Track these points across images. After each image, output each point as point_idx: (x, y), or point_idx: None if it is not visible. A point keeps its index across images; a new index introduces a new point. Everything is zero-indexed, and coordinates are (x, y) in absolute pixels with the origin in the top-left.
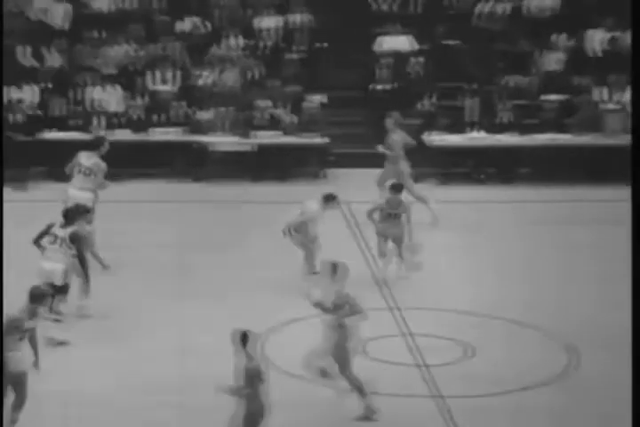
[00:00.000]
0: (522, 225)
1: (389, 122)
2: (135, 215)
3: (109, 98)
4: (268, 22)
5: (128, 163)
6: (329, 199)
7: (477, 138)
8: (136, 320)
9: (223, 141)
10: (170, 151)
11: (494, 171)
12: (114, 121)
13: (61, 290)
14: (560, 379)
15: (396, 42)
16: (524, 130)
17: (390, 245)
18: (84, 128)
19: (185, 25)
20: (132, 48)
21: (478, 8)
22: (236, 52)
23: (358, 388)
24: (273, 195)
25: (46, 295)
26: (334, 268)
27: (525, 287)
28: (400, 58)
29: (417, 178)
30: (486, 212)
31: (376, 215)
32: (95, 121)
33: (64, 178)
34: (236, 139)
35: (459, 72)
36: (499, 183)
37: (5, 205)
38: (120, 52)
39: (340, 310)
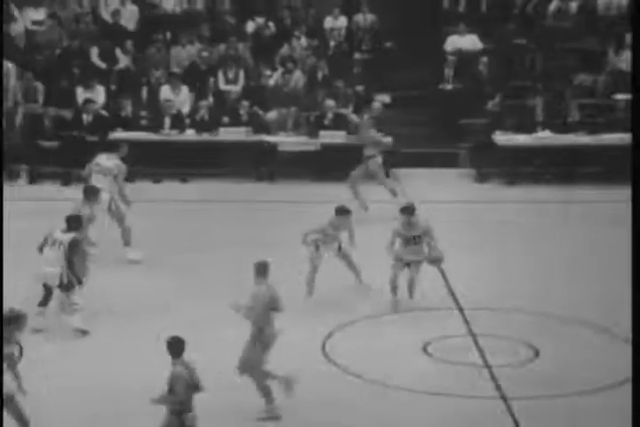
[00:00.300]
0: (588, 225)
1: (364, 117)
2: (202, 215)
3: (177, 98)
4: (334, 22)
5: (195, 163)
6: (341, 212)
7: (545, 137)
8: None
9: (288, 141)
10: (236, 151)
11: (561, 170)
12: (181, 121)
13: (66, 288)
14: (627, 381)
15: (464, 41)
16: (593, 129)
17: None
18: (152, 128)
19: (251, 26)
20: (200, 49)
21: (547, 6)
22: (302, 53)
23: (265, 392)
24: (337, 194)
25: (22, 318)
26: (259, 268)
27: (592, 288)
28: (468, 57)
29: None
30: (549, 211)
31: (396, 241)
32: (164, 121)
33: (132, 178)
34: (300, 138)
35: (527, 71)
36: (565, 183)
37: (72, 205)
38: (187, 52)
39: (252, 311)
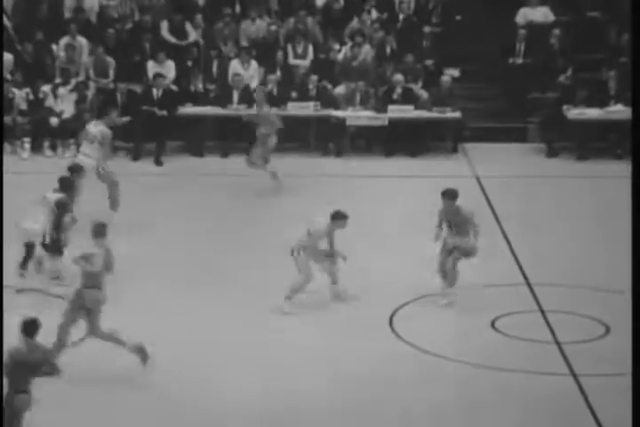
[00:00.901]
0: None
1: (258, 94)
2: (269, 189)
3: (246, 73)
4: None
5: None
6: (337, 217)
7: (617, 111)
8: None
9: (356, 116)
10: (304, 126)
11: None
12: (250, 96)
13: (51, 249)
14: None
15: (536, 13)
16: None
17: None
18: (221, 103)
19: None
20: (269, 23)
21: None
22: (371, 26)
23: (116, 340)
24: (405, 169)
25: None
26: (96, 228)
27: None
28: (539, 30)
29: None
30: (620, 187)
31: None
32: (232, 96)
33: (200, 152)
34: (368, 113)
35: (599, 44)
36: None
37: (141, 178)
38: (257, 26)
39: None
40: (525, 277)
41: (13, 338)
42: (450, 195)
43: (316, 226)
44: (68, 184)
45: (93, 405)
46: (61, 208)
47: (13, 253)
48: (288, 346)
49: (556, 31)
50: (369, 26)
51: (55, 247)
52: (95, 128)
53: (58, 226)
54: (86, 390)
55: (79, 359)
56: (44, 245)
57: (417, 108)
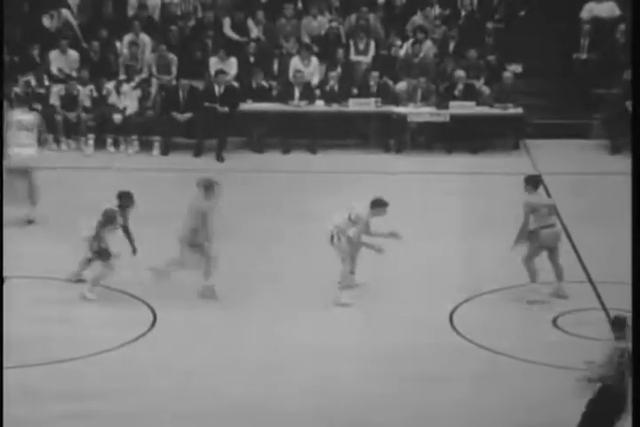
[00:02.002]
0: None
1: None
2: (330, 186)
3: (307, 69)
4: None
5: (323, 134)
6: (377, 205)
7: None
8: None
9: (417, 112)
10: (364, 122)
11: None
12: (311, 92)
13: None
14: None
15: (602, 8)
16: None
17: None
18: (283, 99)
19: None
20: (330, 19)
21: None
22: (432, 22)
23: None
24: (466, 166)
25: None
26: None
27: None
28: (605, 25)
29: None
30: None
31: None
32: (294, 92)
33: (260, 148)
34: (430, 109)
35: None
36: None
37: (203, 175)
38: (318, 23)
39: None
40: (588, 275)
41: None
42: (532, 181)
43: (356, 212)
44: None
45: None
46: (107, 219)
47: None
48: (345, 344)
49: (622, 26)
50: (431, 22)
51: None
52: (26, 115)
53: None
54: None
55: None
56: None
57: (479, 104)
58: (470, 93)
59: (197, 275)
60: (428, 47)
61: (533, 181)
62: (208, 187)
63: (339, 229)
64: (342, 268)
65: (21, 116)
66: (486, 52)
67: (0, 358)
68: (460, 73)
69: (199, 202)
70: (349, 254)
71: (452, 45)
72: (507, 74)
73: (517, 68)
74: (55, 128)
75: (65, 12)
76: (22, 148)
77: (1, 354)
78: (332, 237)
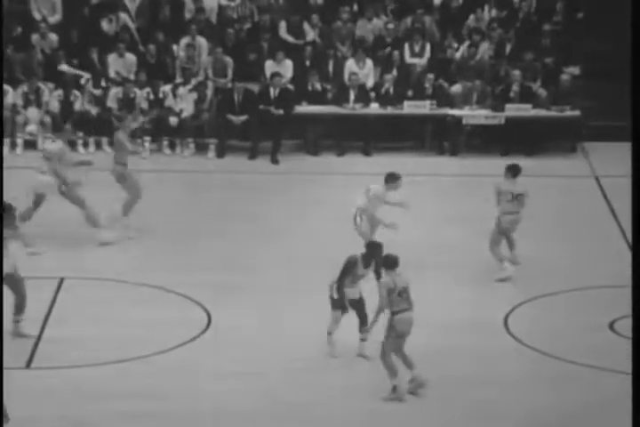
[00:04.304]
0: None
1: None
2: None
3: (362, 72)
4: None
5: (378, 136)
6: (391, 179)
7: None
8: None
9: (472, 114)
10: (419, 125)
11: None
12: (366, 95)
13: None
14: None
15: None
16: None
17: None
18: (338, 102)
19: None
20: (386, 22)
21: None
22: (489, 25)
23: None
24: (523, 169)
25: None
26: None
27: None
28: None
29: None
30: None
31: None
32: (349, 95)
33: (315, 151)
34: (485, 112)
35: None
36: None
37: (258, 177)
38: (373, 25)
39: None
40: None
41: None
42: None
43: (372, 191)
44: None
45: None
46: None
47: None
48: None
49: None
50: (487, 24)
51: None
52: (53, 145)
53: None
54: None
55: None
56: None
57: (535, 106)
58: (526, 96)
59: (254, 278)
60: (485, 49)
61: (513, 170)
62: None
63: (360, 209)
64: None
65: (47, 146)
66: (543, 54)
67: (0, 358)
68: (516, 73)
69: None
70: (370, 236)
71: (508, 47)
72: (564, 76)
73: (575, 70)
74: (111, 131)
75: (123, 15)
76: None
77: (1, 353)
78: (355, 218)
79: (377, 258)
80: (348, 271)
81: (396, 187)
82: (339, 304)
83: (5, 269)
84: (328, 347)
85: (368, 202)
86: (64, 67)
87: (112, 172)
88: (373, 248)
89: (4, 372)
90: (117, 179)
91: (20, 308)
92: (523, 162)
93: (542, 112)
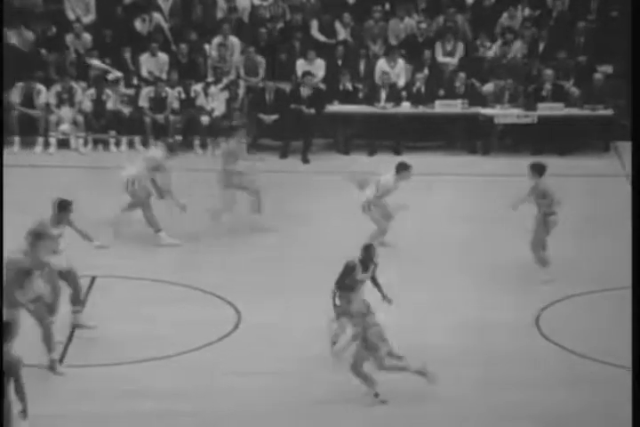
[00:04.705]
0: None
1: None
2: (416, 187)
3: (393, 71)
4: None
5: (409, 135)
6: (402, 169)
7: None
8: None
9: (505, 114)
10: (451, 124)
11: None
12: (397, 94)
13: None
14: None
15: None
16: None
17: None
18: (369, 101)
19: None
20: (418, 21)
21: None
22: (522, 23)
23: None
24: (554, 168)
25: None
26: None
27: None
28: None
29: None
30: None
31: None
32: (380, 94)
33: (346, 150)
34: (517, 111)
35: None
36: None
37: (290, 176)
38: (405, 24)
39: None
40: None
41: None
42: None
43: (382, 181)
44: None
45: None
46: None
47: None
48: (428, 347)
49: None
50: (520, 22)
51: None
52: (152, 151)
53: None
54: None
55: None
56: None
57: (568, 105)
58: (559, 95)
59: (284, 277)
60: (517, 48)
61: (539, 168)
62: None
63: (368, 200)
64: (374, 232)
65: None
66: (576, 52)
67: (0, 362)
68: (548, 72)
69: None
70: (380, 220)
71: (541, 46)
72: (597, 75)
73: (608, 68)
74: (143, 130)
75: (156, 15)
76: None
77: (1, 354)
78: (364, 207)
79: (374, 261)
80: (347, 276)
81: (406, 177)
82: (341, 312)
83: (60, 266)
84: (333, 358)
85: (377, 192)
86: (93, 61)
87: (219, 178)
88: (370, 251)
89: (36, 370)
90: (225, 184)
91: (77, 299)
92: (555, 161)
93: (575, 111)
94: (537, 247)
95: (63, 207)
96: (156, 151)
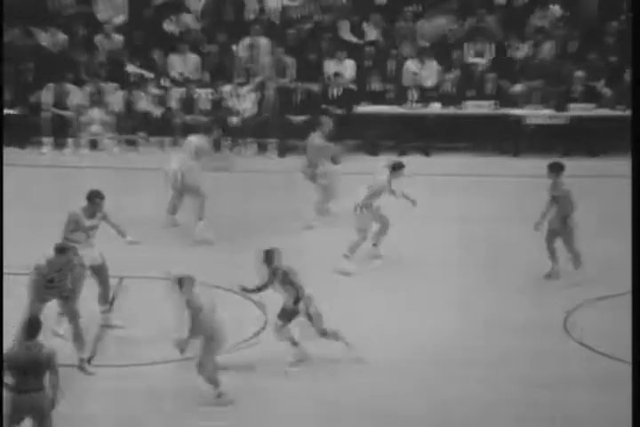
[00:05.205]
0: None
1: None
2: (444, 188)
3: (423, 71)
4: None
5: (439, 136)
6: (396, 168)
7: None
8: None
9: (535, 114)
10: (480, 125)
11: None
12: (428, 94)
13: None
14: None
15: None
16: None
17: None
18: (399, 102)
19: None
20: (448, 21)
21: None
22: (554, 24)
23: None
24: (585, 169)
25: None
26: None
27: None
28: None
29: None
30: None
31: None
32: (410, 95)
33: (375, 151)
34: (548, 112)
35: None
36: None
37: None
38: (436, 25)
39: None
40: None
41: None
42: (557, 168)
43: (376, 180)
44: None
45: None
46: None
47: None
48: (459, 348)
49: None
50: (551, 23)
51: None
52: (195, 140)
53: None
54: None
55: None
56: None
57: (599, 106)
58: (590, 95)
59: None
60: (548, 49)
61: (557, 168)
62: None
63: (362, 201)
64: (356, 239)
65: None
66: (607, 53)
67: (0, 359)
68: (580, 74)
69: None
70: (367, 225)
71: (572, 46)
72: (628, 75)
73: None
74: (173, 131)
75: (187, 16)
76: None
77: (1, 351)
78: (355, 208)
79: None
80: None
81: (399, 175)
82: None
83: (93, 260)
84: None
85: (370, 192)
86: (131, 67)
87: (304, 172)
88: (269, 256)
89: (64, 369)
90: (311, 178)
91: (105, 298)
92: (586, 162)
93: (606, 112)
94: (571, 247)
95: (91, 199)
96: (199, 139)
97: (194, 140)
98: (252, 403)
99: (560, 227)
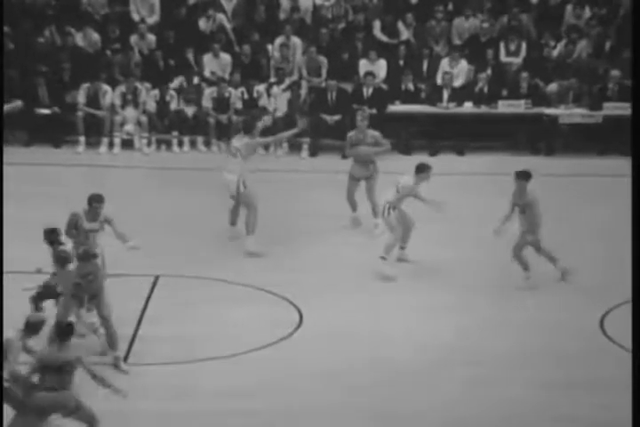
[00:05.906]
0: None
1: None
2: (476, 188)
3: (456, 71)
4: None
5: (472, 135)
6: (421, 170)
7: None
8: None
9: (569, 113)
10: (514, 124)
11: None
12: (460, 94)
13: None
14: None
15: None
16: None
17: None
18: (432, 101)
19: None
20: (482, 20)
21: None
22: (588, 22)
23: None
24: (620, 168)
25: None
26: None
27: None
28: None
29: None
30: None
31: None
32: (442, 94)
33: (408, 150)
34: (582, 111)
35: None
36: None
37: (337, 176)
38: (469, 24)
39: None
40: None
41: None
42: (524, 176)
43: (402, 183)
44: None
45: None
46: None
47: None
48: (489, 350)
49: None
50: (586, 22)
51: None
52: (239, 142)
53: None
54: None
55: None
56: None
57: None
58: (625, 94)
59: (344, 275)
60: (582, 47)
61: (524, 176)
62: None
63: (389, 202)
64: (389, 239)
65: (234, 143)
66: None
67: (0, 355)
68: (615, 73)
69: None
70: (397, 227)
71: (607, 45)
72: None
73: None
74: (206, 130)
75: (220, 16)
76: (229, 173)
77: (1, 351)
78: (383, 211)
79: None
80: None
81: (426, 178)
82: None
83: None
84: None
85: (397, 194)
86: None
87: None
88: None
89: (103, 367)
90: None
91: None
92: (620, 161)
93: None
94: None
95: (89, 203)
96: (243, 140)
97: (237, 142)
98: (280, 401)
99: (529, 237)
